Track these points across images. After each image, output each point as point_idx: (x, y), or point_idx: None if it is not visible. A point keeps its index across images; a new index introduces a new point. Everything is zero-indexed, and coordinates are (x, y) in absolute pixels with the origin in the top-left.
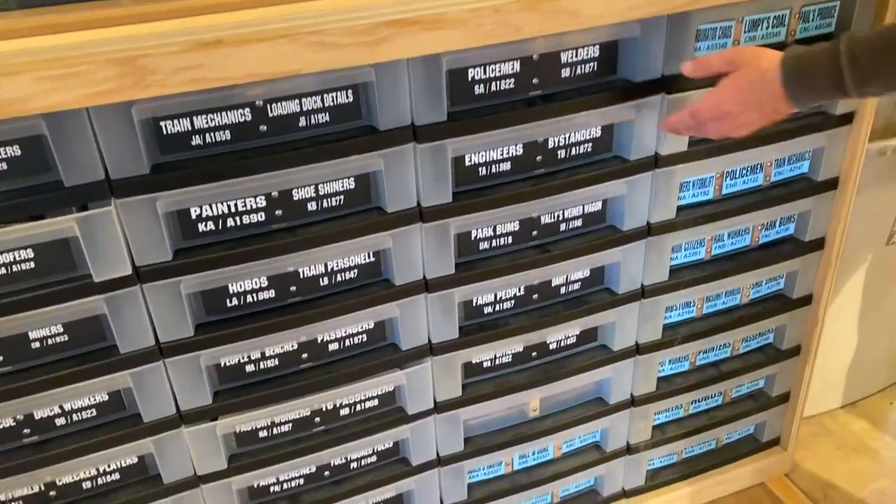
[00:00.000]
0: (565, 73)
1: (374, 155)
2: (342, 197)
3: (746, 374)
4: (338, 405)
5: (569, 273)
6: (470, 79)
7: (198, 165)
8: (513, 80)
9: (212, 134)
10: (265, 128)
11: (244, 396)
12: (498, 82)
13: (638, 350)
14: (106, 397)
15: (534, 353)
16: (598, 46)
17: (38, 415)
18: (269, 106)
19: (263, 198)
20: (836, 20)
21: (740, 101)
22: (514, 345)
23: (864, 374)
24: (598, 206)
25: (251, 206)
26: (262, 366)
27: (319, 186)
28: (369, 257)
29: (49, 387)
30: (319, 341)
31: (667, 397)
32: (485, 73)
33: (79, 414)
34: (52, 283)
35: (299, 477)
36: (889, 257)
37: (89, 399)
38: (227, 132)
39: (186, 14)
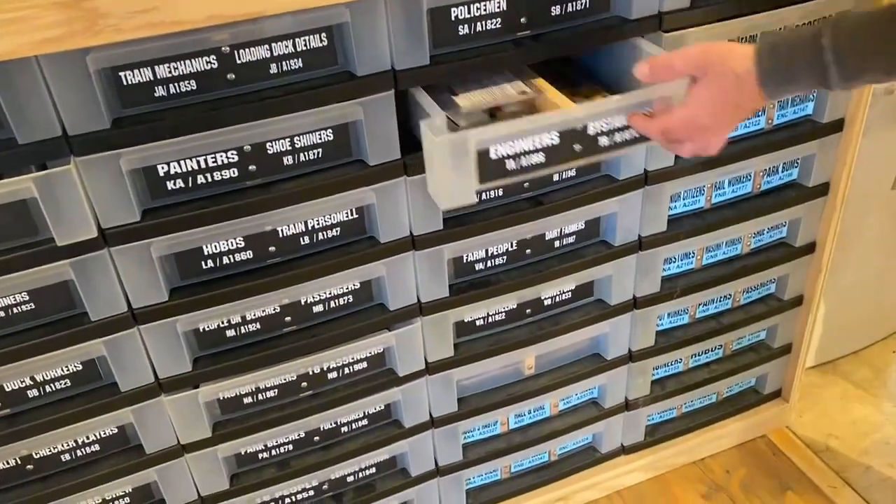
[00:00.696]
0: (555, 10)
1: (352, 103)
2: (320, 150)
3: (747, 326)
4: (325, 369)
5: (563, 226)
6: (453, 18)
7: (163, 118)
8: (499, 18)
9: (176, 84)
10: (233, 76)
11: (226, 363)
12: (483, 21)
13: (635, 304)
14: (80, 367)
15: (528, 310)
16: None
17: (8, 387)
18: (236, 52)
19: (235, 152)
20: None
21: (717, 112)
22: (508, 302)
23: (867, 323)
24: None
25: (222, 161)
26: (243, 330)
27: (295, 139)
28: (352, 214)
29: (18, 357)
30: (303, 303)
31: (666, 352)
32: (469, 11)
33: (52, 385)
34: (14, 248)
35: (288, 443)
36: (894, 202)
37: (62, 369)
38: (193, 82)
39: None
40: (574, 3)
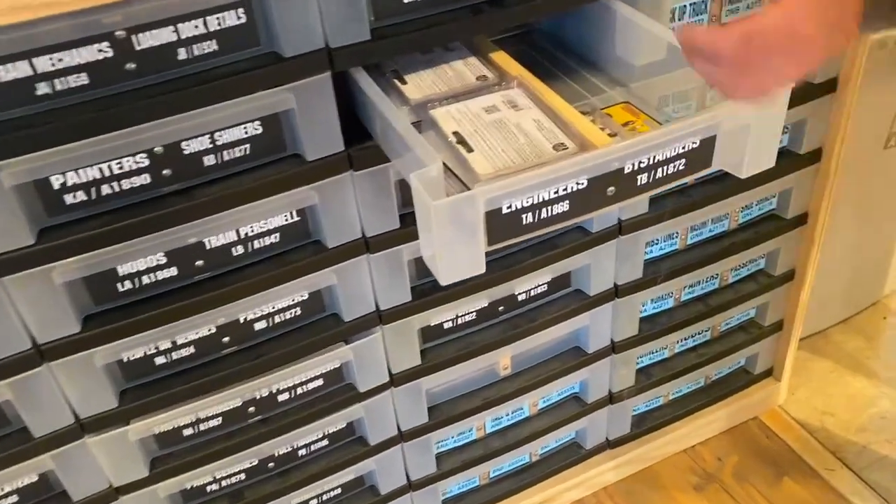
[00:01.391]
0: None
1: (281, 90)
2: (247, 146)
3: (737, 306)
4: (274, 391)
5: None
6: None
7: (51, 121)
8: None
9: (63, 79)
10: (133, 66)
11: (159, 394)
12: None
13: (617, 292)
14: None
15: (501, 308)
16: None
17: None
18: (134, 37)
19: (144, 155)
20: None
21: (821, 19)
22: (478, 301)
23: (856, 289)
24: None
25: (130, 166)
26: (174, 356)
27: (216, 135)
28: (292, 217)
29: None
30: (242, 321)
31: (651, 340)
32: None
33: None
34: None
35: (239, 472)
36: (887, 162)
37: None
38: (84, 75)
39: None
40: None
